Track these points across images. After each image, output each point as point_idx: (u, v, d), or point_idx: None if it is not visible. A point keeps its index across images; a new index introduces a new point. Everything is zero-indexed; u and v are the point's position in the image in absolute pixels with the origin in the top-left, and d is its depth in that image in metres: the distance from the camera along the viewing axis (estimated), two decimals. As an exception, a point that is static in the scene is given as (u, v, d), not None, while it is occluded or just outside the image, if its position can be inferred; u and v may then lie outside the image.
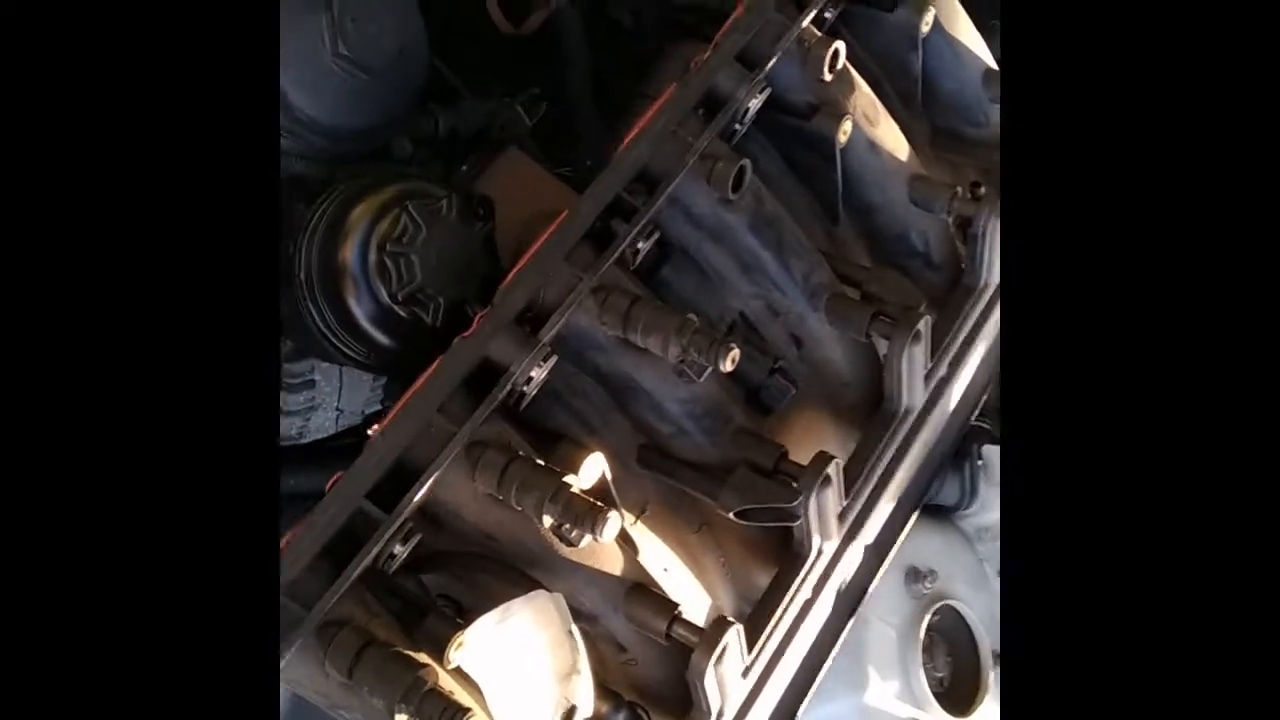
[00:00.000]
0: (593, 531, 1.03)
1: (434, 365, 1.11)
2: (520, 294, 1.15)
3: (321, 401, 1.65)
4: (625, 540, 1.22)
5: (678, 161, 1.24)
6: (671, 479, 1.27)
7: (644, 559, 1.27)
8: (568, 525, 1.05)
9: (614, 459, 1.23)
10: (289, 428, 1.70)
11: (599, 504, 1.05)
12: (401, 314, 1.28)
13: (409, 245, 1.26)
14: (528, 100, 1.66)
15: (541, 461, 1.10)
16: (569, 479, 1.08)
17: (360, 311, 1.28)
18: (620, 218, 1.23)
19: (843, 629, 1.50)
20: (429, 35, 1.52)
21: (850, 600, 1.52)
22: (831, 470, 1.24)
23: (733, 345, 1.14)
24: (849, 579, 1.48)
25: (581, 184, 1.24)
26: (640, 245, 1.25)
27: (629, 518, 1.28)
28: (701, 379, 1.17)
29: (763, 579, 1.37)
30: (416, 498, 1.05)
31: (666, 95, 1.28)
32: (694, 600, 1.33)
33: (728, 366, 1.13)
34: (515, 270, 1.17)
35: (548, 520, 1.05)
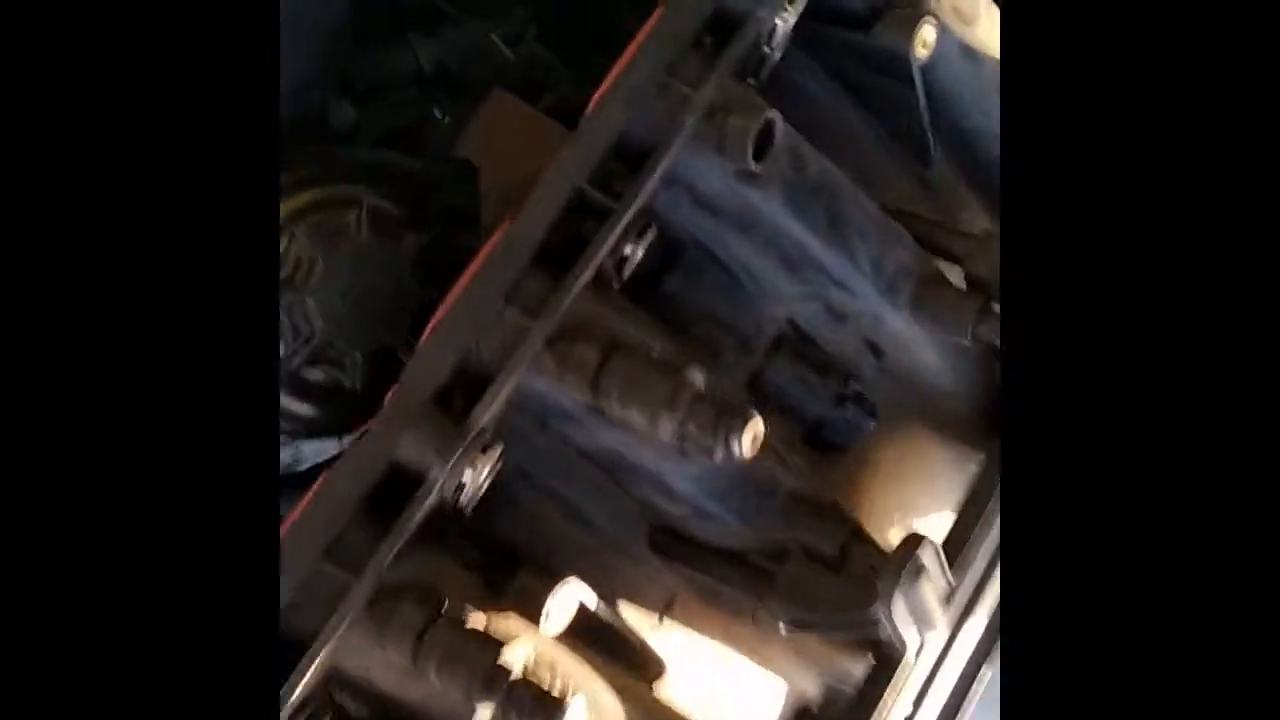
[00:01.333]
0: (544, 735, 0.70)
1: (315, 486, 0.78)
2: (441, 360, 0.80)
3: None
4: (641, 670, 0.89)
5: (670, 124, 0.85)
6: (696, 573, 0.91)
7: (678, 670, 0.93)
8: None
9: (613, 553, 0.89)
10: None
11: (550, 696, 0.71)
12: (313, 376, 0.94)
13: (301, 286, 0.91)
14: (514, 25, 1.28)
15: (479, 616, 0.76)
16: (518, 643, 0.74)
17: None
18: (592, 216, 0.85)
19: (970, 689, 1.14)
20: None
21: (980, 654, 1.15)
22: (927, 558, 0.86)
23: (751, 415, 0.76)
24: (979, 637, 1.11)
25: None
26: (628, 250, 0.87)
27: (649, 620, 0.94)
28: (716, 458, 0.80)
29: (854, 663, 1.01)
30: (300, 687, 0.73)
31: (648, 26, 0.88)
32: (763, 694, 1.00)
33: (746, 453, 0.75)
34: (432, 324, 0.82)
35: (483, 715, 0.72)
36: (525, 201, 0.84)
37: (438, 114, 1.25)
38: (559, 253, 0.84)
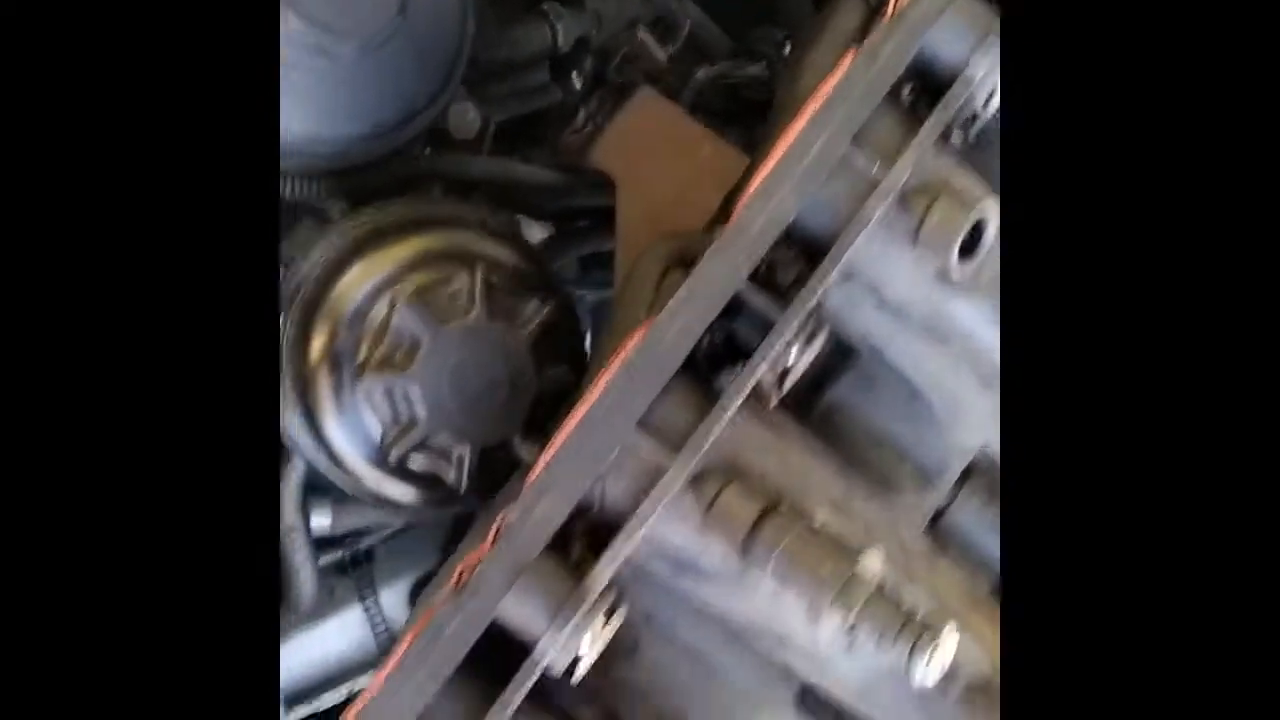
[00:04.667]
0: None
1: (404, 643, 0.65)
2: (556, 500, 0.65)
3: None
4: None
5: (853, 208, 0.68)
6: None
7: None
8: None
9: (750, 709, 0.74)
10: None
11: None
12: (413, 465, 0.81)
13: (402, 368, 0.77)
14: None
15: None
16: None
17: (355, 454, 0.81)
18: (751, 321, 0.69)
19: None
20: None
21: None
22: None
23: (942, 637, 0.60)
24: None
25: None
26: (793, 359, 0.70)
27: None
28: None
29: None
30: None
31: (833, 79, 0.71)
32: None
33: (930, 679, 0.59)
34: (546, 456, 0.67)
35: None
36: (668, 305, 0.68)
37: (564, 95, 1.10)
38: (709, 365, 0.69)
